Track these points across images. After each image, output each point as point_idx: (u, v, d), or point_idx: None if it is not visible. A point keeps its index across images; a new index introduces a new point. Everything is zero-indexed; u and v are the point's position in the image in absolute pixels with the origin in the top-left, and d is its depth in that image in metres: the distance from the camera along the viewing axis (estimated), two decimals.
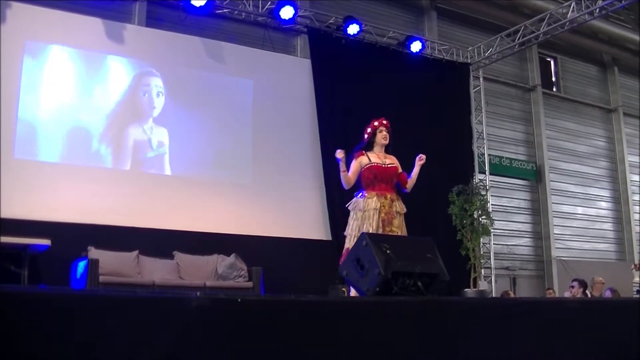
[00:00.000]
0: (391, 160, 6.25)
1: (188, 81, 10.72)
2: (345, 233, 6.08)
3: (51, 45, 9.67)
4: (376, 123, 6.32)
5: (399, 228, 5.98)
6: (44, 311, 2.15)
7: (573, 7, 11.84)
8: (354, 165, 6.19)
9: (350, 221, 6.07)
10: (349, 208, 6.15)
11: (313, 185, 11.29)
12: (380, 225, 5.87)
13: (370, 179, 6.10)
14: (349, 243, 5.95)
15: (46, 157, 9.41)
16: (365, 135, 6.35)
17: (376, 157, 6.21)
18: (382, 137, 6.26)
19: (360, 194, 6.09)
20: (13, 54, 9.28)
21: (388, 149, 6.34)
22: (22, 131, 9.24)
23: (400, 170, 6.28)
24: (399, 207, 6.09)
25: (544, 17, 12.41)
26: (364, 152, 6.26)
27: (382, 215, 5.92)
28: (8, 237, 7.46)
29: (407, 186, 6.24)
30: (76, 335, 2.14)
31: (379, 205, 5.95)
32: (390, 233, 5.83)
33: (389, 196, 6.04)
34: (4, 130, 8.99)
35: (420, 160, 6.26)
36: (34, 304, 2.18)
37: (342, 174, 6.10)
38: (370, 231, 5.78)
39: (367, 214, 5.93)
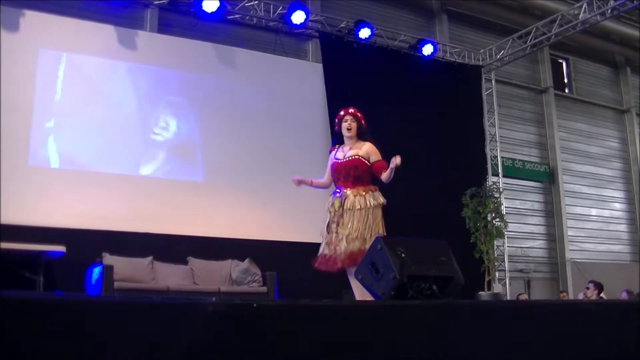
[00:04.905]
0: (355, 151, 5.56)
1: (200, 86, 10.74)
2: None
3: (65, 53, 9.73)
4: (341, 112, 5.66)
5: (346, 227, 5.44)
6: (60, 317, 2.16)
7: (584, 8, 11.79)
8: (329, 162, 5.80)
9: None
10: None
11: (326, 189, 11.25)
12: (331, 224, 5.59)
13: (332, 178, 5.76)
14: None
15: (60, 164, 9.45)
16: (336, 128, 5.76)
17: (341, 151, 5.63)
18: (346, 127, 5.57)
19: None
20: (27, 62, 9.36)
21: (364, 136, 5.65)
22: (37, 138, 9.30)
23: (370, 159, 5.53)
24: (353, 202, 5.46)
25: (555, 18, 12.36)
26: (336, 146, 5.73)
27: (332, 215, 5.57)
28: (23, 244, 7.49)
29: (382, 177, 5.47)
30: (91, 342, 2.15)
31: (329, 204, 5.60)
32: (335, 233, 5.54)
33: (343, 192, 5.52)
34: (19, 138, 9.06)
35: (393, 162, 5.30)
36: (49, 311, 2.19)
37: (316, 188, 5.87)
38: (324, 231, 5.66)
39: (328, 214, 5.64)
